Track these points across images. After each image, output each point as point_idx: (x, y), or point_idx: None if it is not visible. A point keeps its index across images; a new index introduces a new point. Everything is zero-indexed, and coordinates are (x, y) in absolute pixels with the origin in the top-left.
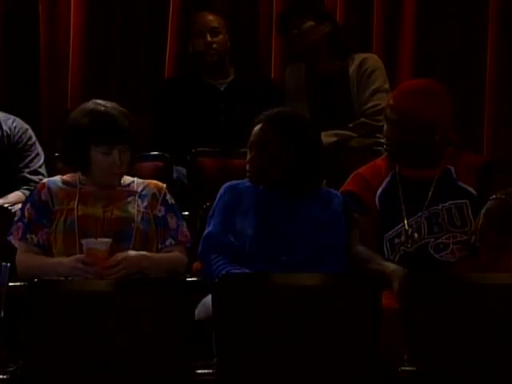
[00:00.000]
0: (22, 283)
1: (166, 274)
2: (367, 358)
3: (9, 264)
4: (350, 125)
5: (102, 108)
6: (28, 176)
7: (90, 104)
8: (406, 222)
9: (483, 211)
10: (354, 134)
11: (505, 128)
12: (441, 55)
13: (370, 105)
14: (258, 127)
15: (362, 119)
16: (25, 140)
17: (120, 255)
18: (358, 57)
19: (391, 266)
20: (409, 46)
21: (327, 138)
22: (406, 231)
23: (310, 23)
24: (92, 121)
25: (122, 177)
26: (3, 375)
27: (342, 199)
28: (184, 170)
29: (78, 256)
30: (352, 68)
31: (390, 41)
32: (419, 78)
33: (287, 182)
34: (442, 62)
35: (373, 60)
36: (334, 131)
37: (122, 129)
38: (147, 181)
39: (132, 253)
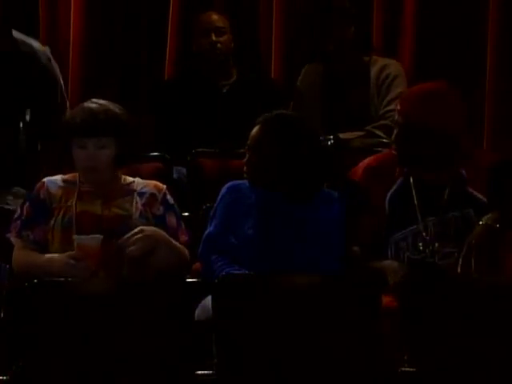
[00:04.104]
0: (22, 284)
1: (172, 262)
2: (367, 358)
3: (8, 265)
4: (368, 127)
5: (88, 104)
6: None
7: (84, 102)
8: (417, 226)
9: (469, 240)
10: (379, 134)
11: (505, 128)
12: (441, 54)
13: (391, 107)
14: (255, 129)
15: (383, 121)
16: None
17: (137, 228)
18: (381, 61)
19: (386, 261)
20: (409, 45)
21: (352, 141)
22: (417, 236)
23: (339, 25)
24: (72, 115)
25: (101, 174)
26: (3, 375)
27: (345, 193)
28: (185, 170)
29: (70, 252)
30: (373, 71)
31: (389, 39)
32: (429, 81)
33: (284, 184)
34: (441, 61)
35: (395, 66)
36: (358, 136)
37: (95, 121)
38: (147, 181)
39: (148, 227)
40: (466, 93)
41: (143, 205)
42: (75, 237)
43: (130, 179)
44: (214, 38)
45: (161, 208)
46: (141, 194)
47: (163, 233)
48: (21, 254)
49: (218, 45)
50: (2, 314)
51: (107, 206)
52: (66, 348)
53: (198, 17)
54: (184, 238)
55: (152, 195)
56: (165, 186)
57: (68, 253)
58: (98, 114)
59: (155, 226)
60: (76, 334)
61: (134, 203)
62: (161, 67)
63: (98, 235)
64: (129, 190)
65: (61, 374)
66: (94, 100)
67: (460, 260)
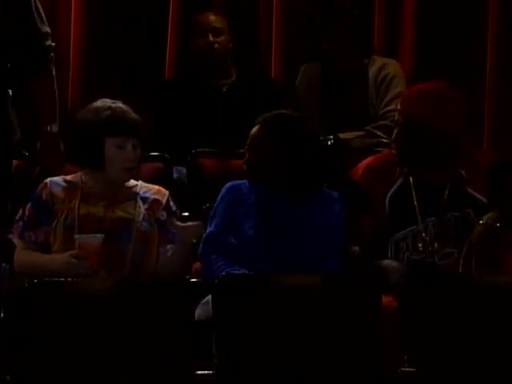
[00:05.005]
0: (22, 284)
1: (184, 258)
2: (367, 358)
3: (8, 266)
4: (368, 127)
5: (113, 104)
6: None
7: (99, 102)
8: (416, 227)
9: (469, 239)
10: (379, 134)
11: (505, 128)
12: (441, 54)
13: (391, 108)
14: (255, 129)
15: (382, 121)
16: None
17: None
18: (380, 60)
19: (386, 260)
20: (409, 45)
21: (352, 141)
22: (417, 236)
23: (339, 25)
24: (106, 114)
25: (133, 174)
26: (3, 375)
27: (345, 193)
28: (185, 170)
29: (71, 251)
30: (372, 71)
31: (390, 40)
32: (430, 81)
33: (284, 184)
34: (441, 61)
35: (394, 65)
36: (358, 136)
37: (135, 122)
38: (151, 185)
39: None
40: (466, 93)
41: (146, 209)
42: (77, 236)
43: (134, 182)
44: (211, 38)
45: (164, 214)
46: (144, 199)
47: None
48: (23, 255)
49: (216, 45)
50: (2, 314)
51: (110, 208)
52: (66, 348)
53: (195, 17)
54: None
55: (155, 200)
56: (168, 192)
57: (70, 252)
58: (133, 115)
59: (158, 230)
60: (76, 334)
61: (137, 207)
62: (161, 67)
63: (99, 234)
64: (132, 193)
65: (61, 373)
66: (109, 100)
67: (461, 260)
